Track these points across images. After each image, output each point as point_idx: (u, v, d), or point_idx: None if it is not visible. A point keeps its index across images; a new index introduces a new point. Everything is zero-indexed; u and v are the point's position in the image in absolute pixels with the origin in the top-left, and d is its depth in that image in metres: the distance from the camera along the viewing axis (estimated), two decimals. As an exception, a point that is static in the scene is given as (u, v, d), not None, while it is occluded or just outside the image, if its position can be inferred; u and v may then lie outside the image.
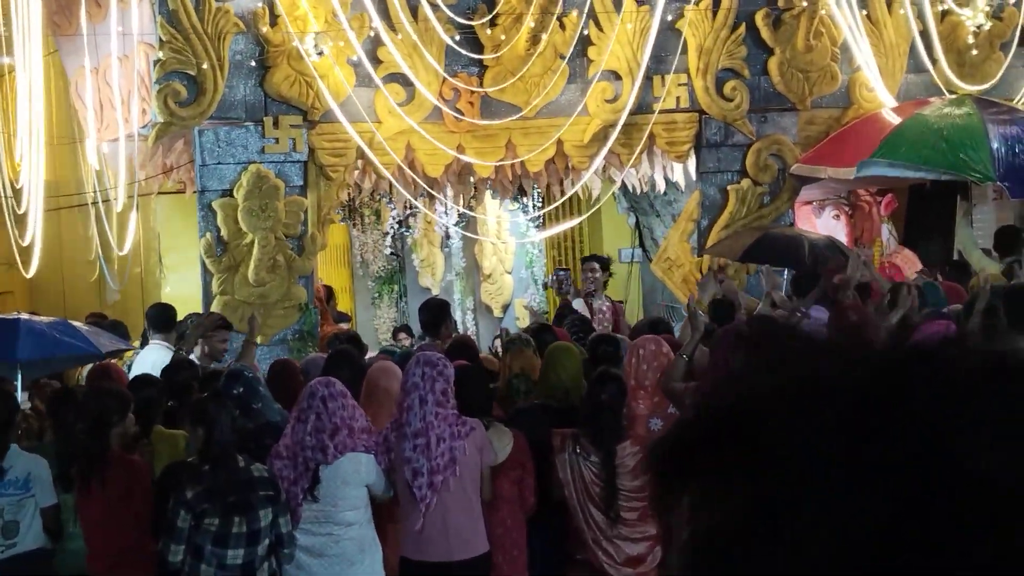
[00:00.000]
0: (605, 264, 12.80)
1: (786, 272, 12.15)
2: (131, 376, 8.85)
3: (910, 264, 13.45)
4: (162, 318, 10.25)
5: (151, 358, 9.67)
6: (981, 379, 0.90)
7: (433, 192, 13.15)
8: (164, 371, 8.45)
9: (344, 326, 13.17)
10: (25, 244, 15.03)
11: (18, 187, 14.99)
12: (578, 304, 12.20)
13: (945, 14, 14.16)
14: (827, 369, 0.91)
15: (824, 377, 0.90)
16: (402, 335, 13.89)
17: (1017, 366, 0.91)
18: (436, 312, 10.12)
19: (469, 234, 16.03)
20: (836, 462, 0.85)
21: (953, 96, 13.78)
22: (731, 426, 0.88)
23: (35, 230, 14.78)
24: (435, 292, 16.79)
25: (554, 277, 13.24)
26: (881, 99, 13.78)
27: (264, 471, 6.63)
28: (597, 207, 14.85)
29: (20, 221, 15.27)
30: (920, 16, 14.00)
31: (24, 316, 9.06)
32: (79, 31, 12.65)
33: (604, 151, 12.90)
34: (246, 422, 7.12)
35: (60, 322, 9.22)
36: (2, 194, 15.64)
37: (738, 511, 0.85)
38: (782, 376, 0.91)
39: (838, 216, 14.59)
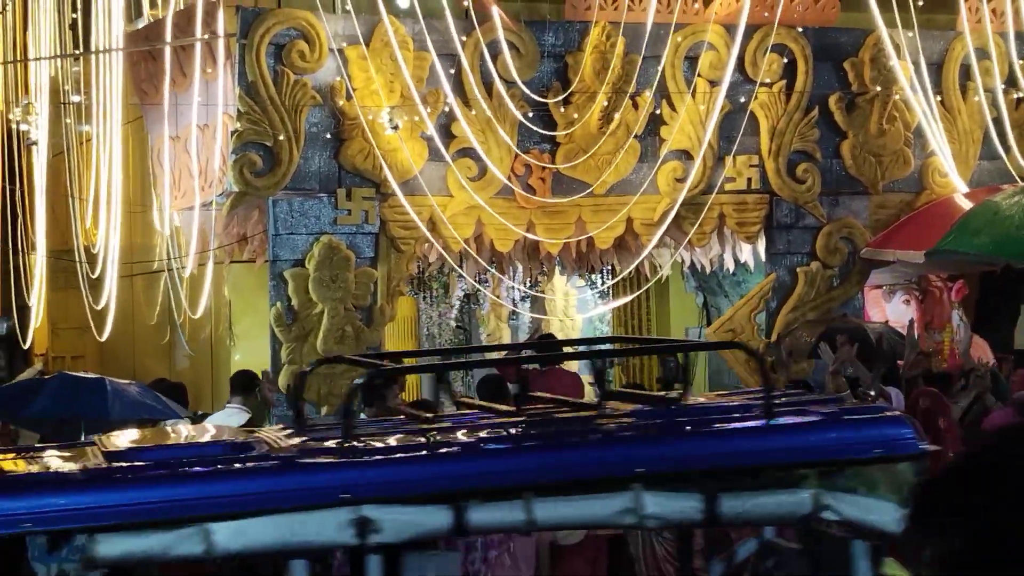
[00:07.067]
0: None
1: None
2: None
3: (980, 351, 13.30)
4: (241, 382, 10.41)
5: (219, 420, 9.75)
6: None
7: (495, 272, 13.18)
8: None
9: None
10: (99, 308, 15.24)
11: (94, 252, 15.22)
12: None
13: (1020, 102, 14.12)
14: None
15: None
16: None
17: None
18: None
19: (535, 315, 16.04)
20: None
21: (1025, 183, 13.69)
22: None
23: (110, 295, 14.98)
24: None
25: None
26: (954, 184, 13.72)
27: None
28: (664, 281, 14.83)
29: (94, 286, 15.49)
30: (994, 103, 13.96)
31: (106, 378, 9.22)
32: (164, 99, 12.88)
33: (665, 225, 12.89)
34: None
35: (138, 384, 9.35)
36: (77, 259, 15.88)
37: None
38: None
39: (908, 301, 14.48)
